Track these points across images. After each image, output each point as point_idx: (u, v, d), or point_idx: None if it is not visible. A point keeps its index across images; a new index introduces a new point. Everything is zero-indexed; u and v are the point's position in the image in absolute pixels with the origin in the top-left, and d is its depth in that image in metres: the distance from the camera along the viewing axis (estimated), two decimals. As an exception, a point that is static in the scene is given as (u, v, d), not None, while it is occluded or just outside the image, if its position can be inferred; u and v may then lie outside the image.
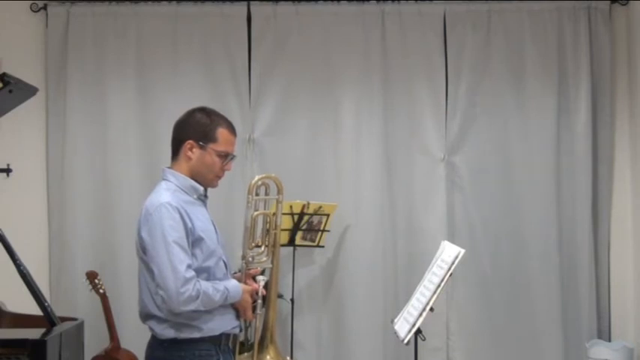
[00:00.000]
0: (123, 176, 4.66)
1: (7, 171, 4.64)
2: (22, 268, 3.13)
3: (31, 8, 4.69)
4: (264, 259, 2.97)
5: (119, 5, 4.70)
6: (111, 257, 4.64)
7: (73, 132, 4.67)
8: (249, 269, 2.93)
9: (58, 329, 3.08)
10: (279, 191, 3.02)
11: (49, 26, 4.69)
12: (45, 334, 2.95)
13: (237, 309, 2.82)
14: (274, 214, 3.01)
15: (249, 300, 2.84)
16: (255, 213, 2.93)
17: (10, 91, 2.91)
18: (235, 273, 2.98)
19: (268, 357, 3.08)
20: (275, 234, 2.98)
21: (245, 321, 2.89)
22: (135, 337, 4.39)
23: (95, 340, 4.33)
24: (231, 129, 2.84)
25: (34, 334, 2.92)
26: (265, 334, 3.04)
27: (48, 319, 3.11)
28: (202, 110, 2.85)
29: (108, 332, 4.33)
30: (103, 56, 4.70)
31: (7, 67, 4.32)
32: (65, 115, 4.67)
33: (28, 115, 4.39)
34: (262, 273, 2.97)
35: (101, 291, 4.33)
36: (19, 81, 2.94)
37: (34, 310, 3.21)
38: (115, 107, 4.69)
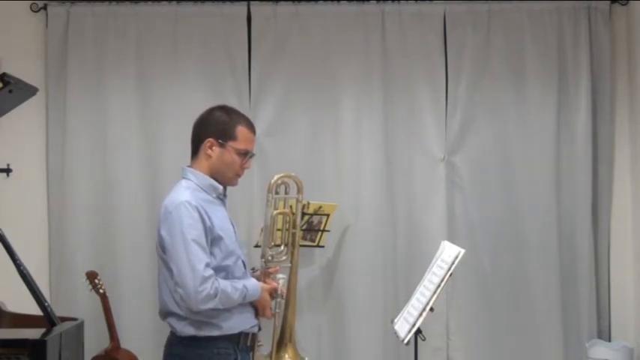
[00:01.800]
0: (123, 176, 4.66)
1: (7, 171, 4.63)
2: (22, 268, 3.13)
3: (31, 8, 4.69)
4: (284, 257, 2.97)
5: (119, 5, 4.70)
6: (111, 257, 4.64)
7: (73, 132, 4.67)
8: (269, 268, 2.93)
9: (58, 329, 3.07)
10: (299, 190, 3.02)
11: (49, 26, 4.68)
12: (45, 334, 2.95)
13: (256, 308, 2.83)
14: (294, 213, 3.01)
15: (268, 299, 2.85)
16: (275, 212, 2.93)
17: (10, 91, 2.91)
18: (254, 272, 2.98)
19: (287, 356, 3.08)
20: (294, 233, 2.99)
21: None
22: (135, 337, 4.42)
23: (95, 340, 4.32)
24: (251, 127, 2.85)
25: (34, 334, 2.92)
26: (284, 333, 3.04)
27: (48, 319, 3.11)
28: (222, 108, 2.86)
29: (108, 332, 4.33)
30: (103, 56, 4.69)
31: (7, 67, 4.32)
32: (65, 114, 4.67)
33: (28, 114, 4.39)
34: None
35: (101, 291, 4.33)
36: (19, 81, 2.95)
37: (34, 310, 3.21)
38: (115, 107, 4.69)
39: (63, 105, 4.67)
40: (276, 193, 2.96)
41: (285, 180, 3.00)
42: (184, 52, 4.71)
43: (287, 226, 3.00)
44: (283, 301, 2.93)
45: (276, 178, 2.97)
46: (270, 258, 2.92)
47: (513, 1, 4.73)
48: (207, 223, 2.69)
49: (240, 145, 2.79)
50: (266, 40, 4.74)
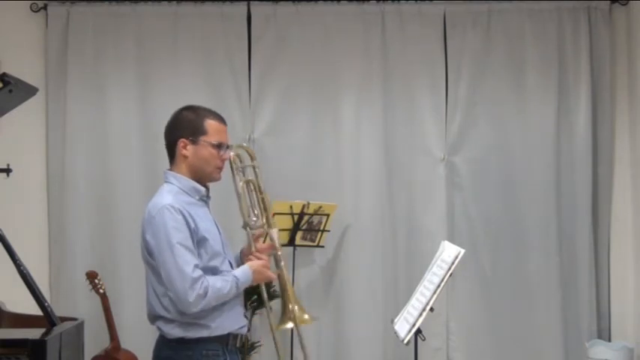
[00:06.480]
0: (123, 176, 4.66)
1: (7, 171, 4.62)
2: (22, 268, 3.12)
3: (31, 8, 4.69)
4: (262, 222, 2.96)
5: (119, 5, 4.70)
6: (111, 257, 4.64)
7: (73, 132, 4.67)
8: (254, 233, 2.91)
9: (58, 329, 3.07)
10: (253, 158, 3.01)
11: (49, 26, 4.69)
12: (45, 334, 2.95)
13: (244, 307, 2.83)
14: (257, 177, 3.01)
15: (263, 269, 2.82)
16: (241, 182, 2.92)
17: (10, 91, 2.91)
18: (243, 250, 2.96)
19: (297, 306, 3.03)
20: (263, 198, 2.97)
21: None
22: (135, 337, 4.41)
23: (95, 340, 4.33)
24: (220, 119, 2.84)
25: (34, 334, 2.91)
26: (285, 289, 3.00)
27: (48, 319, 3.11)
28: (188, 108, 2.86)
29: (108, 332, 4.33)
30: (103, 56, 4.70)
31: (7, 67, 4.32)
32: (65, 114, 4.67)
33: (28, 115, 4.37)
34: (264, 239, 2.95)
35: (101, 291, 4.32)
36: (19, 81, 2.94)
37: (34, 310, 3.21)
38: (115, 107, 4.69)
39: (63, 105, 4.68)
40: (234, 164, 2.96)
41: (238, 152, 2.99)
42: (184, 52, 4.72)
43: (253, 193, 2.98)
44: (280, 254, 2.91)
45: (231, 153, 2.96)
46: (253, 223, 2.91)
47: (513, 1, 4.73)
48: (192, 225, 2.68)
49: (212, 138, 2.78)
50: (266, 40, 4.74)
